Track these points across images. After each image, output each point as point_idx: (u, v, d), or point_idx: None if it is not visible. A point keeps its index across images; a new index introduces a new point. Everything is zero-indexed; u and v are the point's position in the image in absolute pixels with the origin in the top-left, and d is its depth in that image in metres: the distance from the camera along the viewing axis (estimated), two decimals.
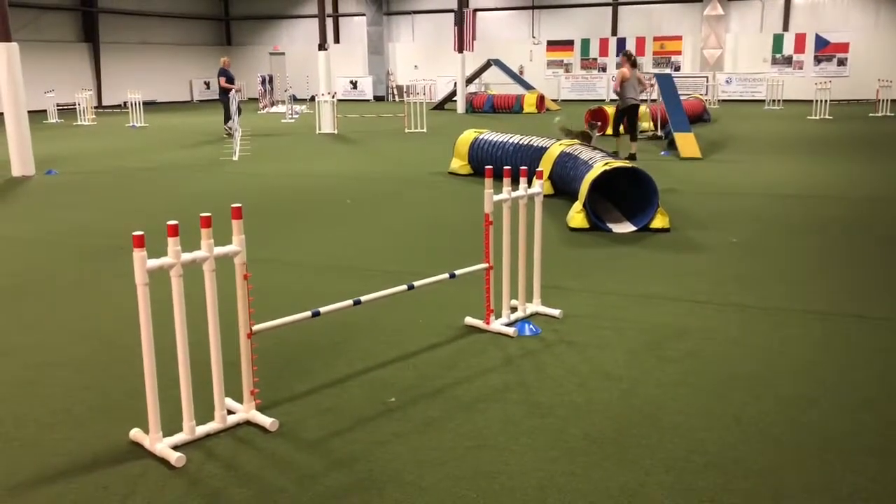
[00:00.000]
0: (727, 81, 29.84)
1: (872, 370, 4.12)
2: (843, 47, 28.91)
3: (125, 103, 24.53)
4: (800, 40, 29.47)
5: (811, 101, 22.05)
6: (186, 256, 3.26)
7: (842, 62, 28.97)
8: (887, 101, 21.79)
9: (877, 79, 24.16)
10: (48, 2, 30.54)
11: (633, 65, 12.72)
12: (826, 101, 20.88)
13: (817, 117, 20.86)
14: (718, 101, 27.50)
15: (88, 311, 5.35)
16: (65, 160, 13.99)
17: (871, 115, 21.81)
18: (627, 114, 12.93)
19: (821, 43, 29.20)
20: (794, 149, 14.30)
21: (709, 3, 29.92)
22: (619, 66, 12.87)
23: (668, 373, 4.10)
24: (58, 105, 24.91)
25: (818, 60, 29.26)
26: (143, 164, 13.51)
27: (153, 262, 3.16)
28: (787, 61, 29.70)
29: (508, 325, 4.79)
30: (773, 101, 25.82)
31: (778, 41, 29.79)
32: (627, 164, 7.64)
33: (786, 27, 29.82)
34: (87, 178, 11.89)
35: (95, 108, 26.90)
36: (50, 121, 23.91)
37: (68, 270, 6.49)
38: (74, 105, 24.29)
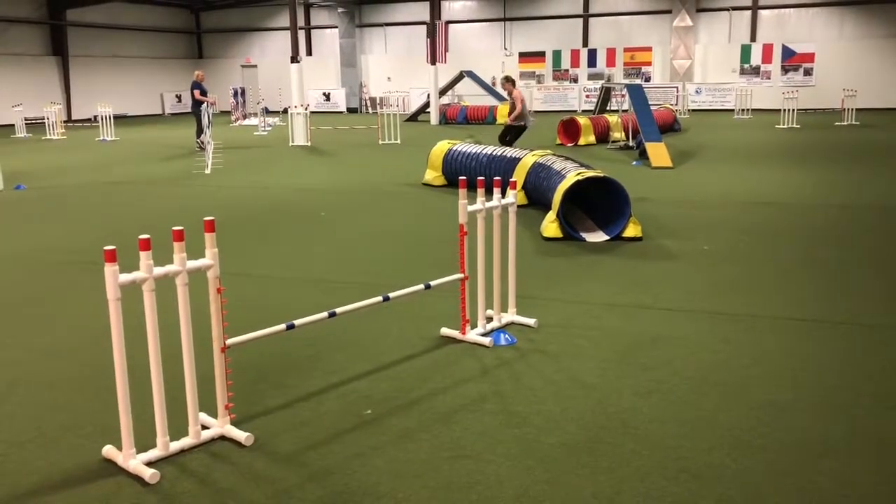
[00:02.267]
0: (697, 91, 30.25)
1: (842, 375, 4.19)
2: (809, 57, 29.46)
3: (95, 117, 24.28)
4: (767, 51, 29.98)
5: (779, 110, 22.42)
6: (159, 270, 3.24)
7: (808, 72, 29.52)
8: (852, 110, 22.20)
9: (842, 88, 24.63)
10: (15, 15, 30.19)
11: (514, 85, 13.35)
12: (793, 110, 21.24)
13: (785, 126, 21.20)
14: (688, 110, 27.88)
15: (58, 328, 5.28)
16: (34, 175, 13.81)
17: (836, 123, 22.22)
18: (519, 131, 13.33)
19: (787, 53, 29.73)
20: (764, 158, 14.52)
21: (678, 15, 30.36)
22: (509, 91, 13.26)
23: (641, 381, 4.13)
24: (26, 119, 24.59)
25: (785, 70, 29.78)
26: (114, 178, 13.37)
27: (125, 277, 3.13)
28: (755, 71, 30.20)
29: (484, 335, 4.80)
30: (742, 110, 26.21)
31: (746, 52, 30.28)
32: (600, 173, 7.71)
33: (753, 38, 30.33)
34: (56, 193, 11.74)
35: (65, 122, 26.59)
36: (18, 135, 23.60)
37: (38, 286, 6.40)
38: (43, 119, 23.99)
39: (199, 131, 17.49)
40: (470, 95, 29.85)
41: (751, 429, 3.55)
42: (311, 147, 18.41)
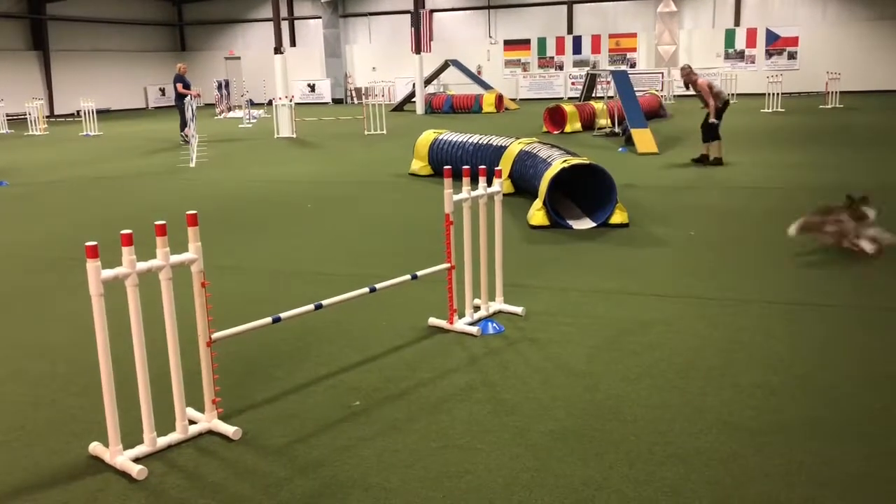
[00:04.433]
0: None
1: (827, 356, 4.22)
2: (793, 41, 29.53)
3: (78, 112, 24.07)
4: (751, 35, 30.02)
5: (764, 94, 22.47)
6: (142, 266, 3.21)
7: (792, 56, 29.58)
8: (836, 93, 22.28)
9: (826, 71, 24.71)
10: None
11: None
12: (778, 94, 21.30)
13: (770, 110, 21.26)
14: (674, 96, 27.90)
15: (42, 325, 5.23)
16: (16, 171, 13.68)
17: (821, 107, 22.30)
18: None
19: (771, 37, 29.78)
20: (749, 142, 14.56)
21: (662, 0, 30.33)
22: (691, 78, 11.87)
23: (629, 366, 4.14)
24: (7, 115, 24.34)
25: (769, 54, 29.84)
26: (98, 173, 13.27)
27: (108, 273, 3.11)
28: (740, 56, 30.24)
29: (472, 324, 4.80)
30: (728, 94, 26.23)
31: (730, 36, 30.31)
32: (586, 160, 7.71)
33: (737, 22, 30.36)
34: (40, 189, 11.64)
35: (47, 117, 26.36)
36: (0, 131, 23.37)
37: (20, 283, 6.35)
38: (25, 115, 23.76)
39: (184, 125, 17.37)
40: (455, 84, 29.75)
41: (738, 412, 3.57)
42: (297, 139, 18.32)
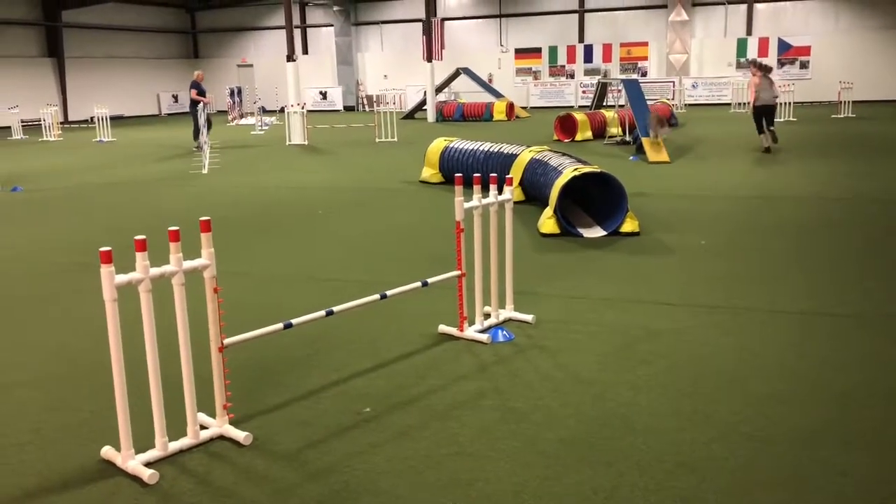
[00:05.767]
0: (693, 86, 30.22)
1: (838, 366, 4.20)
2: (805, 50, 29.45)
3: (92, 118, 24.26)
4: (763, 44, 29.96)
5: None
6: (155, 271, 3.24)
7: (804, 65, 29.49)
8: (848, 102, 22.19)
9: (838, 81, 24.62)
10: (11, 16, 30.13)
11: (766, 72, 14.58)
12: (790, 103, 21.22)
13: (782, 119, 21.16)
14: (685, 105, 27.85)
15: (56, 329, 5.27)
16: (30, 177, 13.80)
17: (833, 116, 22.21)
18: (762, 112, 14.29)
19: (783, 47, 29.71)
20: (760, 151, 14.50)
21: (674, 9, 30.32)
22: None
23: (639, 375, 4.14)
24: (22, 121, 24.55)
25: (781, 64, 29.74)
26: (111, 179, 13.36)
27: (121, 278, 3.13)
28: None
29: (482, 331, 4.80)
30: (739, 104, 26.19)
31: (742, 45, 30.26)
32: (597, 169, 7.71)
33: (749, 32, 30.31)
34: (53, 195, 11.73)
35: (61, 123, 26.57)
36: (14, 137, 23.57)
37: (34, 288, 6.40)
38: (40, 121, 23.96)
39: (197, 131, 17.47)
40: (466, 92, 29.82)
41: (748, 421, 3.56)
42: (309, 146, 18.40)
